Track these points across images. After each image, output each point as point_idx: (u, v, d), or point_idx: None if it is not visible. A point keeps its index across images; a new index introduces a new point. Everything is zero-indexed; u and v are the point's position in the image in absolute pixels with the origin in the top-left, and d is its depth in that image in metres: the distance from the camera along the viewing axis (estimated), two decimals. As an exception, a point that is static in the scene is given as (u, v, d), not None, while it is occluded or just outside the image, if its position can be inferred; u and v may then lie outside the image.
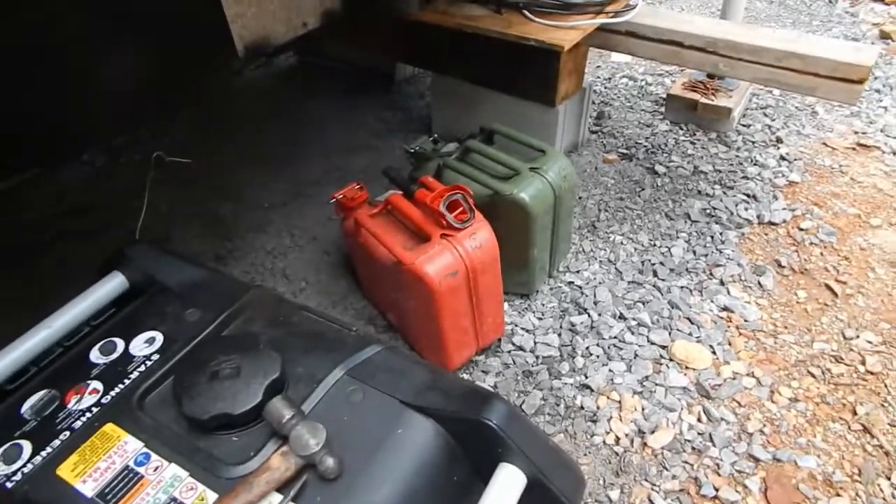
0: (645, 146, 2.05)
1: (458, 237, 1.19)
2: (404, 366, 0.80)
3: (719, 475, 1.19)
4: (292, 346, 0.82)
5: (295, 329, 0.86)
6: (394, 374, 0.78)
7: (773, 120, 2.19)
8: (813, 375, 1.37)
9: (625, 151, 2.04)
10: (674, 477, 1.19)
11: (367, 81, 2.46)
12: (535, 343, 1.44)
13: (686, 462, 1.22)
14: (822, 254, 1.67)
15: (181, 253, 1.05)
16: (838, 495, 1.16)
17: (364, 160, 2.06)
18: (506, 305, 1.51)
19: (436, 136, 1.54)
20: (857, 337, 1.44)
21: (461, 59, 1.84)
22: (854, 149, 2.10)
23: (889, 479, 1.18)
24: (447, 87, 1.99)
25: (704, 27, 1.52)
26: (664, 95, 2.24)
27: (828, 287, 1.57)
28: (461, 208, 1.20)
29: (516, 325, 1.48)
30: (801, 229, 1.74)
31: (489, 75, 1.83)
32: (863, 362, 1.38)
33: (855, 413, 1.29)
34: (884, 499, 1.15)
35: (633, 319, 1.48)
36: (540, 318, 1.50)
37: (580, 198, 1.85)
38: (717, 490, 1.17)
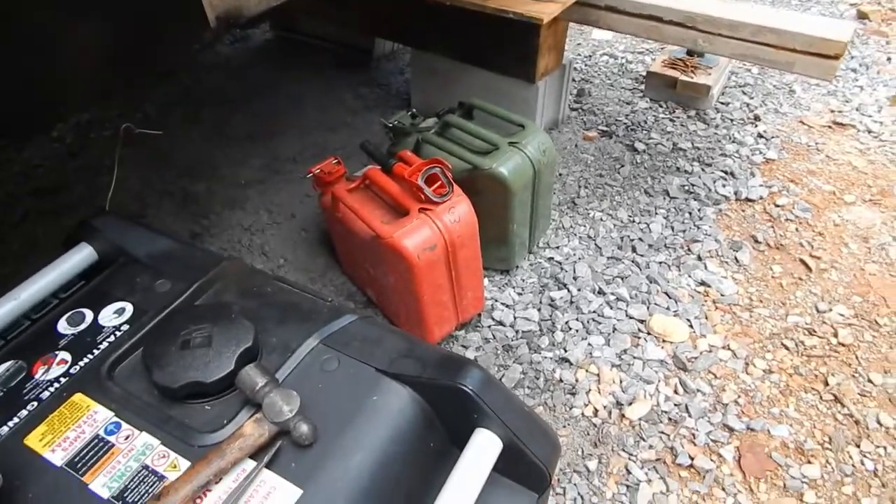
0: (625, 123, 2.05)
1: (436, 211, 1.18)
2: (379, 334, 0.79)
3: (695, 445, 1.21)
4: (265, 316, 0.81)
5: (268, 299, 0.85)
6: (369, 342, 0.78)
7: (752, 98, 2.20)
8: (787, 348, 1.39)
9: (605, 129, 2.03)
10: (650, 447, 1.21)
11: (346, 57, 2.42)
12: (515, 318, 1.44)
13: (663, 432, 1.23)
14: (797, 229, 1.69)
15: (150, 224, 1.02)
16: (809, 462, 1.18)
17: (342, 137, 2.04)
18: (486, 281, 1.51)
19: (414, 110, 1.52)
20: (830, 310, 1.46)
21: (440, 35, 1.82)
22: (830, 127, 2.12)
23: (858, 446, 1.21)
24: (426, 63, 1.97)
25: (684, 2, 1.51)
26: (644, 73, 2.24)
27: (802, 262, 1.59)
28: (439, 182, 1.19)
29: (496, 301, 1.48)
30: (778, 206, 1.75)
31: (468, 51, 1.81)
32: (835, 335, 1.41)
33: (826, 384, 1.31)
34: (853, 465, 1.18)
35: (612, 294, 1.49)
36: (520, 294, 1.50)
37: (560, 174, 1.85)
38: (692, 459, 1.18)
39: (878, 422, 1.24)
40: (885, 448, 1.20)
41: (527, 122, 1.40)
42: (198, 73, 2.39)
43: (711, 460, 1.18)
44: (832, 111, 2.19)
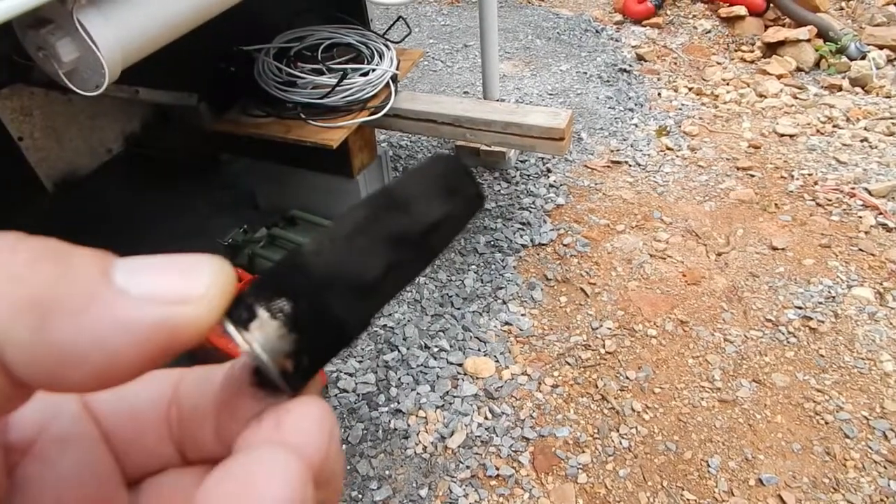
0: (442, 193, 2.44)
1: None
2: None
3: (500, 457, 1.56)
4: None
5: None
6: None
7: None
8: (569, 364, 1.79)
9: (426, 200, 2.41)
10: (467, 467, 1.54)
11: (195, 165, 2.66)
12: (356, 383, 1.74)
13: (476, 453, 1.58)
14: (578, 262, 2.12)
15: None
16: (583, 452, 1.57)
17: (200, 243, 2.27)
18: (331, 356, 1.81)
19: (245, 227, 1.81)
20: (601, 326, 1.89)
21: (268, 149, 2.12)
22: (609, 166, 2.62)
23: (618, 430, 1.61)
24: (264, 168, 2.27)
25: (450, 106, 1.92)
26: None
27: (582, 290, 2.02)
28: (262, 294, 1.49)
29: (340, 371, 1.78)
30: (564, 245, 2.19)
31: (295, 159, 2.13)
32: (603, 346, 1.83)
33: (596, 386, 1.72)
34: (614, 447, 1.57)
35: (435, 346, 1.84)
36: (360, 362, 1.81)
37: (390, 249, 2.19)
38: (497, 469, 1.53)
39: (632, 408, 1.65)
40: (636, 428, 1.61)
41: (336, 225, 1.72)
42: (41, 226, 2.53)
43: (512, 467, 1.54)
44: (611, 151, 2.70)
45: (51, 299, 0.15)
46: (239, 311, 0.18)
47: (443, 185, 0.22)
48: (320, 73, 1.84)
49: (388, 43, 2.00)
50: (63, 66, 0.95)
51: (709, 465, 1.51)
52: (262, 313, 0.18)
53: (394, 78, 1.92)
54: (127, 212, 2.43)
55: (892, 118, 2.75)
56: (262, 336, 0.18)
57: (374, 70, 1.86)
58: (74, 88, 0.95)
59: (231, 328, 0.18)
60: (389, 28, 2.14)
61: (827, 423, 1.58)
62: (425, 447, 1.59)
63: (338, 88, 1.77)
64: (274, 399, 0.19)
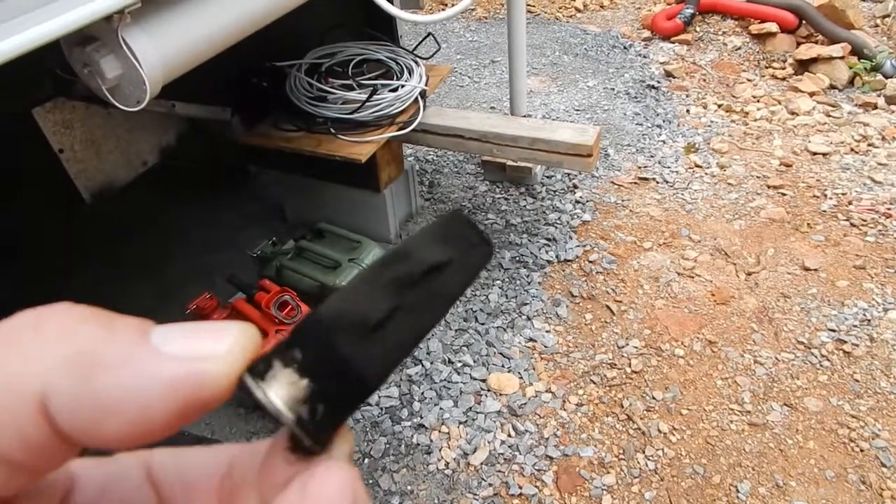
0: (468, 207, 2.45)
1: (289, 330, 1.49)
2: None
3: (523, 476, 1.55)
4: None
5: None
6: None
7: (571, 168, 2.66)
8: (594, 382, 1.77)
9: (452, 214, 2.42)
10: (490, 485, 1.53)
11: (225, 177, 2.71)
12: (380, 397, 1.75)
13: (499, 471, 1.56)
14: (604, 280, 2.10)
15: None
16: (608, 473, 1.54)
17: (229, 255, 2.31)
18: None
19: (274, 238, 1.83)
20: (627, 345, 1.86)
21: (297, 163, 2.16)
22: (636, 183, 2.60)
23: (644, 452, 1.58)
24: (293, 181, 2.30)
25: (477, 122, 1.93)
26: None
27: (608, 307, 2.00)
28: (290, 306, 1.50)
29: (364, 385, 1.78)
30: (590, 261, 2.17)
31: (325, 172, 2.16)
32: (629, 365, 1.80)
33: (622, 406, 1.69)
34: (640, 469, 1.55)
35: (459, 362, 1.83)
36: (383, 375, 1.81)
37: (415, 263, 2.20)
38: (520, 488, 1.51)
39: (658, 430, 1.62)
40: (662, 450, 1.58)
41: (362, 238, 1.74)
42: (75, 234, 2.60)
43: (535, 486, 1.52)
44: (638, 167, 2.68)
45: (94, 354, 0.17)
46: (258, 366, 0.19)
47: (443, 234, 0.23)
48: (350, 88, 1.87)
49: (418, 59, 2.02)
50: (107, 82, 0.98)
51: (738, 491, 1.47)
52: (277, 364, 0.19)
53: (422, 93, 1.94)
54: (160, 222, 2.49)
55: (930, 137, 2.68)
56: (276, 384, 0.19)
57: (403, 86, 1.88)
58: (117, 104, 0.99)
59: (249, 381, 0.19)
60: (419, 44, 2.17)
61: (862, 450, 1.53)
62: (447, 463, 1.58)
63: (368, 104, 1.80)
64: (306, 463, 0.20)
